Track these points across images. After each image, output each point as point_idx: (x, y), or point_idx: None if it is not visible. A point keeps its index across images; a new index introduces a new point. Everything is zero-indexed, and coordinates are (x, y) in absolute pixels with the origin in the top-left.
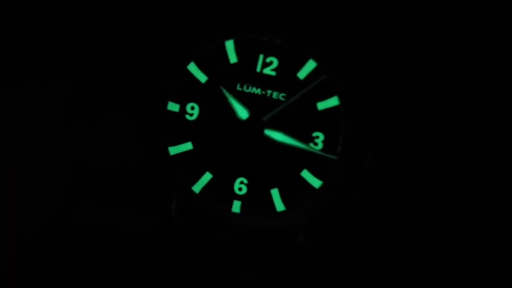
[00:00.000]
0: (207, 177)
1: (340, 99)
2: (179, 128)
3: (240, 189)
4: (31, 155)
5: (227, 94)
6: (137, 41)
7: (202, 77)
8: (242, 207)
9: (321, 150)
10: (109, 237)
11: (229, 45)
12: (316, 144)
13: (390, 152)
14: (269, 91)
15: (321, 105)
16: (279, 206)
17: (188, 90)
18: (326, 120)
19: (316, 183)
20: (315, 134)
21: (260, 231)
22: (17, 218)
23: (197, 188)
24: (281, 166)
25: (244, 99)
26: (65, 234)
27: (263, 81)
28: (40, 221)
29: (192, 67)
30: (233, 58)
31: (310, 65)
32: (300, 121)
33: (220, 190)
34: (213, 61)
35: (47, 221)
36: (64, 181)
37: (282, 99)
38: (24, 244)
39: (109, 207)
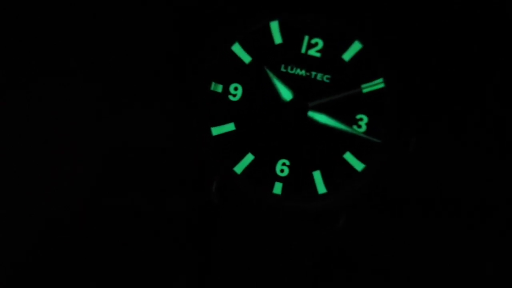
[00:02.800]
0: (249, 158)
1: (386, 81)
2: (222, 109)
3: (282, 170)
4: (71, 136)
5: (271, 75)
6: (182, 22)
7: (246, 58)
8: (283, 188)
9: (365, 132)
10: (148, 219)
11: (274, 25)
12: (359, 126)
13: (434, 135)
14: (313, 73)
15: (366, 88)
16: (321, 188)
17: (231, 70)
18: (370, 102)
19: (359, 166)
20: (359, 116)
21: (301, 213)
22: (51, 203)
23: (238, 169)
24: (324, 148)
25: (288, 80)
26: (103, 217)
27: (308, 63)
28: (78, 205)
29: (237, 48)
30: (278, 39)
31: (356, 47)
32: (344, 103)
33: (262, 172)
34: (258, 42)
35: (86, 204)
36: (105, 162)
37: (327, 81)
38: (61, 229)
39: (149, 188)
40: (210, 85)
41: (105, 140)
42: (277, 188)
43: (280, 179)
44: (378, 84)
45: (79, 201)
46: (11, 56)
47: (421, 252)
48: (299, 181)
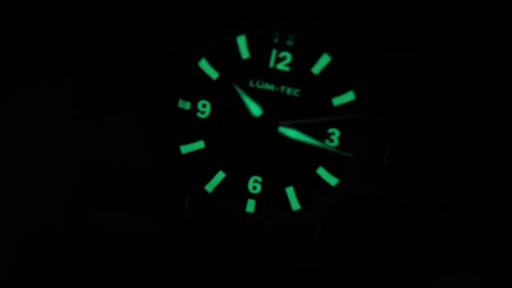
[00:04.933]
0: (220, 176)
1: (356, 93)
2: (191, 127)
3: (254, 187)
4: (36, 156)
5: (239, 91)
6: (147, 38)
7: (214, 74)
8: (256, 206)
9: (337, 147)
10: (118, 238)
11: (241, 40)
12: (332, 141)
13: (408, 147)
14: (282, 87)
15: (337, 101)
16: (295, 204)
17: (199, 87)
18: (341, 115)
19: (332, 180)
20: (330, 130)
21: (275, 229)
22: (23, 219)
23: (210, 187)
24: (296, 164)
25: (257, 96)
26: (73, 235)
27: (277, 77)
28: (47, 222)
29: (204, 64)
30: (245, 53)
31: (325, 60)
32: (315, 118)
33: (234, 189)
34: (225, 57)
35: (54, 222)
36: (72, 181)
37: (297, 95)
38: (31, 246)
39: (118, 207)
40: (177, 102)
41: (75, 158)
42: (250, 205)
43: (252, 196)
44: (348, 96)
45: (50, 219)
46: None
47: (400, 264)
48: (272, 198)
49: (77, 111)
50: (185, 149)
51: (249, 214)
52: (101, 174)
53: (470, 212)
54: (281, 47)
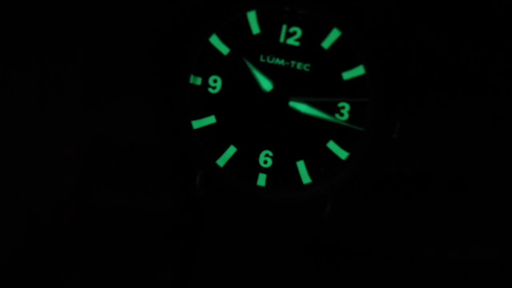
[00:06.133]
0: (231, 150)
1: (366, 68)
2: (202, 102)
3: (265, 162)
4: (46, 136)
5: (250, 66)
6: (158, 15)
7: (225, 49)
8: (267, 180)
9: (347, 121)
10: (131, 216)
11: (251, 16)
12: (342, 115)
13: (418, 120)
14: (293, 62)
15: (347, 75)
16: (305, 178)
17: (210, 63)
18: (352, 89)
19: (342, 154)
20: (340, 104)
21: (285, 204)
22: (33, 201)
23: (221, 162)
24: (307, 138)
25: (267, 70)
26: (83, 214)
27: (287, 52)
28: (57, 202)
29: (214, 39)
30: (255, 29)
31: (335, 34)
32: (326, 92)
33: (245, 164)
34: (235, 33)
35: (65, 202)
36: (81, 159)
37: (307, 69)
38: (41, 226)
39: (131, 184)
40: (189, 78)
41: (84, 136)
42: (261, 179)
43: (263, 170)
44: (358, 71)
45: (61, 199)
46: None
47: (412, 236)
48: (283, 172)
49: (86, 89)
50: (197, 124)
51: (260, 188)
52: (112, 152)
53: (482, 187)
54: (291, 22)
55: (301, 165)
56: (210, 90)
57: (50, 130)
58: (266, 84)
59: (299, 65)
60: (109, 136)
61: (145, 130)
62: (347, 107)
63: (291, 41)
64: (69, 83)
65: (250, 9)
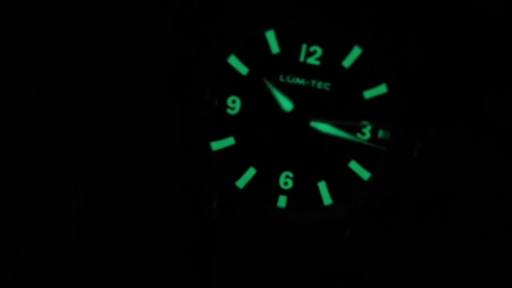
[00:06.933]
0: (251, 172)
1: (388, 86)
2: (221, 123)
3: (285, 183)
4: (55, 156)
5: (270, 86)
6: (176, 35)
7: (243, 69)
8: (288, 201)
9: (369, 140)
10: (146, 239)
11: (270, 35)
12: (363, 134)
13: (439, 140)
14: (313, 81)
15: (368, 94)
16: (327, 199)
17: (229, 83)
18: (373, 109)
19: (365, 174)
20: (362, 123)
21: (306, 226)
22: (37, 225)
23: (241, 183)
24: (328, 158)
25: (287, 90)
26: (93, 238)
27: (307, 71)
28: (63, 227)
29: (233, 60)
30: (275, 48)
31: (356, 52)
32: (347, 111)
33: (265, 185)
34: (254, 53)
35: (74, 225)
36: (99, 180)
37: (328, 89)
38: (45, 251)
39: (148, 208)
40: (206, 99)
41: (99, 157)
42: (282, 201)
43: (284, 192)
44: (380, 89)
45: (66, 223)
46: None
47: (432, 261)
48: (304, 193)
49: (101, 109)
50: (216, 145)
51: (280, 209)
52: (129, 174)
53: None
54: (311, 41)
55: (322, 186)
56: (229, 111)
57: (55, 151)
58: (286, 104)
59: (319, 85)
60: (124, 158)
61: (162, 152)
62: (368, 126)
63: (311, 60)
64: (76, 105)
65: (269, 28)
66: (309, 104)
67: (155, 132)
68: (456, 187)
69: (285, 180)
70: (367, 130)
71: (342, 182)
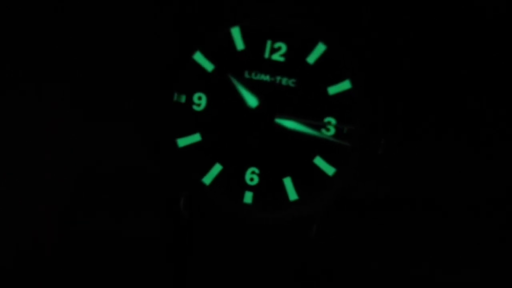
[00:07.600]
0: (217, 168)
1: (352, 82)
2: (187, 119)
3: (251, 179)
4: (34, 156)
5: (235, 82)
6: (141, 34)
7: (209, 66)
8: (254, 197)
9: (334, 136)
10: (118, 240)
11: (236, 32)
12: (328, 130)
13: (403, 136)
14: (278, 78)
15: (332, 90)
16: (292, 195)
17: (194, 80)
18: (337, 105)
19: (330, 170)
20: (327, 119)
21: (272, 222)
22: (22, 225)
23: (207, 180)
24: (293, 154)
25: (253, 87)
26: (69, 239)
27: (272, 68)
28: (44, 227)
29: (198, 57)
30: (240, 45)
31: (320, 49)
32: (312, 107)
33: (231, 181)
34: (220, 49)
35: (52, 226)
36: (67, 182)
37: (292, 85)
38: (24, 254)
39: (117, 206)
40: (173, 95)
41: (68, 161)
42: (248, 197)
43: (250, 188)
44: (344, 85)
45: (44, 226)
46: None
47: (398, 256)
48: (269, 189)
49: (72, 109)
50: (182, 142)
51: (246, 205)
52: (97, 174)
53: (466, 207)
54: (275, 38)
55: (287, 182)
56: (195, 107)
57: (34, 156)
58: (251, 101)
59: (284, 81)
60: (91, 159)
61: (128, 151)
62: (333, 122)
63: (276, 57)
64: (54, 109)
65: (234, 24)
66: (274, 100)
67: (123, 133)
68: (423, 183)
69: (251, 176)
70: (331, 126)
71: (307, 178)
